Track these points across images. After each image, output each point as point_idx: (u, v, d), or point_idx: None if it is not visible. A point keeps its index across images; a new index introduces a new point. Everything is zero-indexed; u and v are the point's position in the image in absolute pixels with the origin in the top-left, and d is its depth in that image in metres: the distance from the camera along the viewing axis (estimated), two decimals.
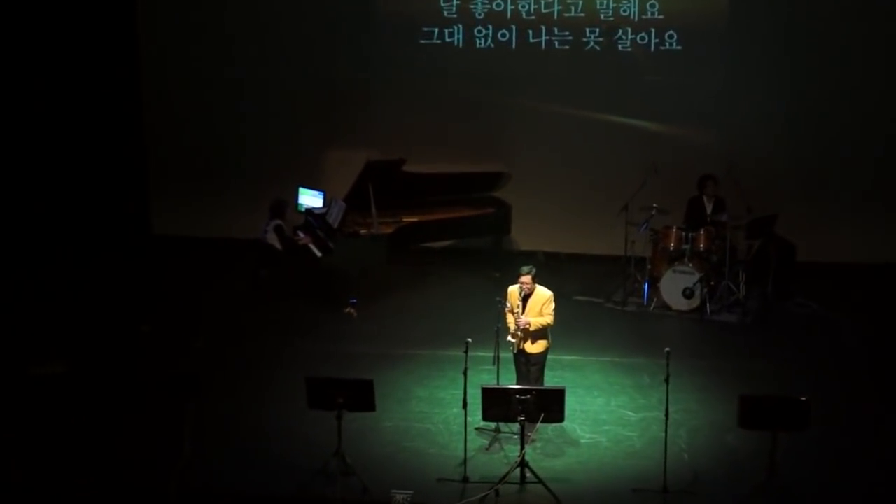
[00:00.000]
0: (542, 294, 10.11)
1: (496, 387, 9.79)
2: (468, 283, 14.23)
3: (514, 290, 10.17)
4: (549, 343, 10.22)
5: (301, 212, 14.45)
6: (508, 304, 10.20)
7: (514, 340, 10.10)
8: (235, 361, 11.86)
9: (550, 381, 10.66)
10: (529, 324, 10.01)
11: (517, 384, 10.07)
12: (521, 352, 10.16)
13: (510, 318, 10.18)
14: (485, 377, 10.70)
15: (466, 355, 9.54)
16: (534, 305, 10.07)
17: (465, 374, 9.55)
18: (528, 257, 14.36)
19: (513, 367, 10.37)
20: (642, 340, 12.48)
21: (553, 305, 10.11)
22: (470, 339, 9.60)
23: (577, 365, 11.75)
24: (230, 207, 15.80)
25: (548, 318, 10.06)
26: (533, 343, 10.13)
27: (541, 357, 10.19)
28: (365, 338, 12.47)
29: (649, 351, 11.69)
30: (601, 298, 13.91)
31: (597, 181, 15.19)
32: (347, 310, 13.07)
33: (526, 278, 10.06)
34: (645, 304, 13.61)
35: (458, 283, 14.33)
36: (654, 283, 13.61)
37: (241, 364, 11.80)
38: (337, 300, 13.13)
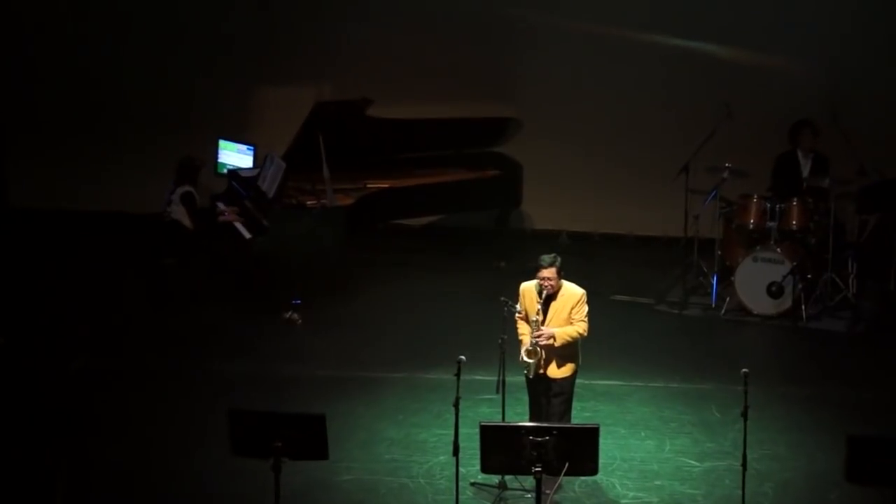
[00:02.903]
0: (572, 293, 10.04)
1: (501, 424, 9.78)
2: (461, 278, 14.27)
3: (529, 288, 10.13)
4: (578, 364, 10.21)
5: (222, 174, 14.48)
6: (521, 309, 10.18)
7: (530, 361, 10.07)
8: (131, 389, 11.84)
9: (579, 416, 10.70)
10: (554, 337, 9.97)
11: (531, 421, 10.08)
12: (541, 377, 10.15)
13: (524, 328, 10.17)
14: (485, 411, 10.74)
15: (458, 380, 9.52)
16: (559, 310, 10.03)
17: (456, 406, 9.54)
18: (548, 240, 14.37)
19: (525, 397, 10.37)
20: (709, 358, 12.55)
21: (586, 308, 10.08)
22: (463, 358, 9.58)
23: (616, 393, 11.81)
24: (119, 170, 15.82)
25: (580, 327, 10.02)
26: (558, 366, 10.11)
27: (567, 383, 10.17)
28: (314, 355, 12.50)
29: (719, 373, 11.77)
30: (650, 298, 14.00)
31: (644, 132, 15.25)
32: (289, 315, 13.12)
33: (548, 272, 9.99)
34: (713, 305, 13.68)
35: (447, 278, 14.37)
36: (726, 275, 13.67)
37: (140, 393, 11.77)
38: (274, 301, 13.16)
